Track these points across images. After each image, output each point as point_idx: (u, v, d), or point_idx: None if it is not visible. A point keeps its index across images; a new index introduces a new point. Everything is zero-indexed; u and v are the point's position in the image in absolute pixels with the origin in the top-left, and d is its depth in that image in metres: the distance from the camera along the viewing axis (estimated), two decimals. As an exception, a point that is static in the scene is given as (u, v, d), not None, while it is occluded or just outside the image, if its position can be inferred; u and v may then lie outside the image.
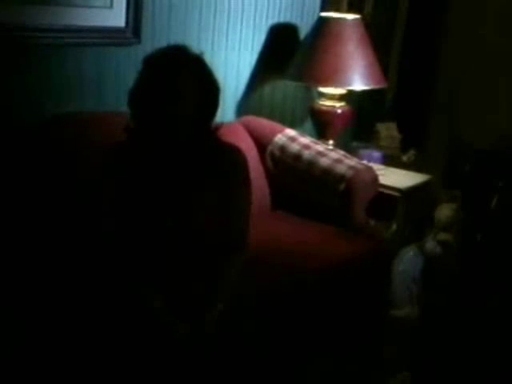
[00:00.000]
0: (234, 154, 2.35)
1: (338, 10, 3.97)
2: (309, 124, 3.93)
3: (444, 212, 3.92)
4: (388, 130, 4.23)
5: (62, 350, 2.13)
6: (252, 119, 3.58)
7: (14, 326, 2.13)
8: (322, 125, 3.77)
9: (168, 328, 2.12)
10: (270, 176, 3.40)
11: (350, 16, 3.69)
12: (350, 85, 3.58)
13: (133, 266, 2.17)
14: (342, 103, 3.74)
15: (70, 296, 2.24)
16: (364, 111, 4.24)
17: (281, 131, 3.47)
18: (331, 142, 3.71)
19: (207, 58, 2.27)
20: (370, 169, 3.39)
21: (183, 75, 2.16)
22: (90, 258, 2.28)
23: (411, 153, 4.17)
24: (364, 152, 3.94)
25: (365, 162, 3.62)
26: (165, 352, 2.10)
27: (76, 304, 2.21)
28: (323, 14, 3.75)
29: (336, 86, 3.61)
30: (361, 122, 4.24)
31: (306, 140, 3.43)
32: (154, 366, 2.09)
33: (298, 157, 3.34)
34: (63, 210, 2.55)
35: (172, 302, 2.15)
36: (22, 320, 2.14)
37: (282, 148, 3.39)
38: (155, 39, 3.15)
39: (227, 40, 3.54)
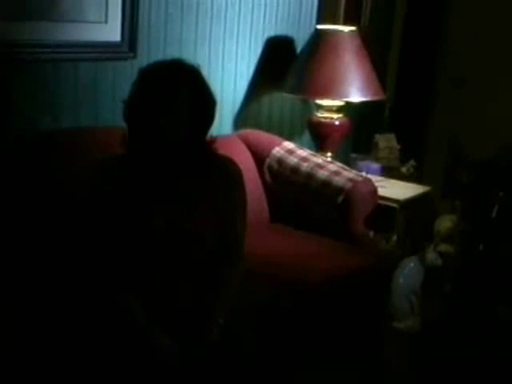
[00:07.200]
0: (227, 165, 2.35)
1: (334, 22, 3.98)
2: (307, 136, 3.92)
3: (444, 223, 3.91)
4: (387, 142, 4.21)
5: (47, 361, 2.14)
6: (249, 132, 3.57)
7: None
8: (320, 137, 3.77)
9: (153, 345, 2.10)
10: (269, 189, 3.39)
11: (347, 28, 3.69)
12: (347, 97, 3.58)
13: (120, 278, 2.16)
14: (340, 115, 3.73)
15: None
16: (362, 123, 4.23)
17: (279, 144, 3.46)
18: (329, 154, 3.70)
19: (204, 71, 2.25)
20: (369, 181, 3.38)
21: (178, 87, 2.15)
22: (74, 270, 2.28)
23: (410, 164, 4.15)
24: (363, 164, 3.92)
25: (363, 173, 3.60)
26: (152, 367, 2.09)
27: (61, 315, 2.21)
28: (319, 26, 3.76)
29: (333, 98, 3.61)
30: (359, 133, 4.24)
31: (304, 152, 3.42)
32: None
33: (296, 169, 3.33)
34: (53, 224, 2.53)
35: (164, 313, 2.14)
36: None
37: (280, 161, 3.38)
38: (151, 53, 3.15)
39: (224, 53, 3.54)
